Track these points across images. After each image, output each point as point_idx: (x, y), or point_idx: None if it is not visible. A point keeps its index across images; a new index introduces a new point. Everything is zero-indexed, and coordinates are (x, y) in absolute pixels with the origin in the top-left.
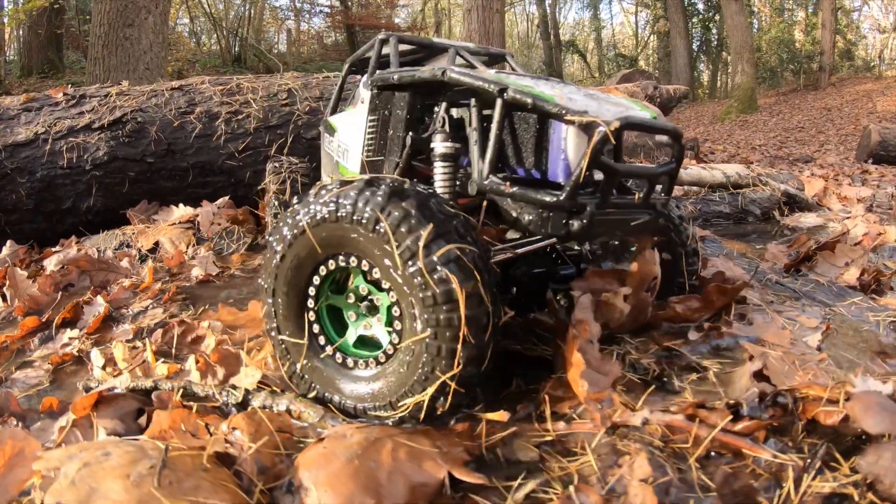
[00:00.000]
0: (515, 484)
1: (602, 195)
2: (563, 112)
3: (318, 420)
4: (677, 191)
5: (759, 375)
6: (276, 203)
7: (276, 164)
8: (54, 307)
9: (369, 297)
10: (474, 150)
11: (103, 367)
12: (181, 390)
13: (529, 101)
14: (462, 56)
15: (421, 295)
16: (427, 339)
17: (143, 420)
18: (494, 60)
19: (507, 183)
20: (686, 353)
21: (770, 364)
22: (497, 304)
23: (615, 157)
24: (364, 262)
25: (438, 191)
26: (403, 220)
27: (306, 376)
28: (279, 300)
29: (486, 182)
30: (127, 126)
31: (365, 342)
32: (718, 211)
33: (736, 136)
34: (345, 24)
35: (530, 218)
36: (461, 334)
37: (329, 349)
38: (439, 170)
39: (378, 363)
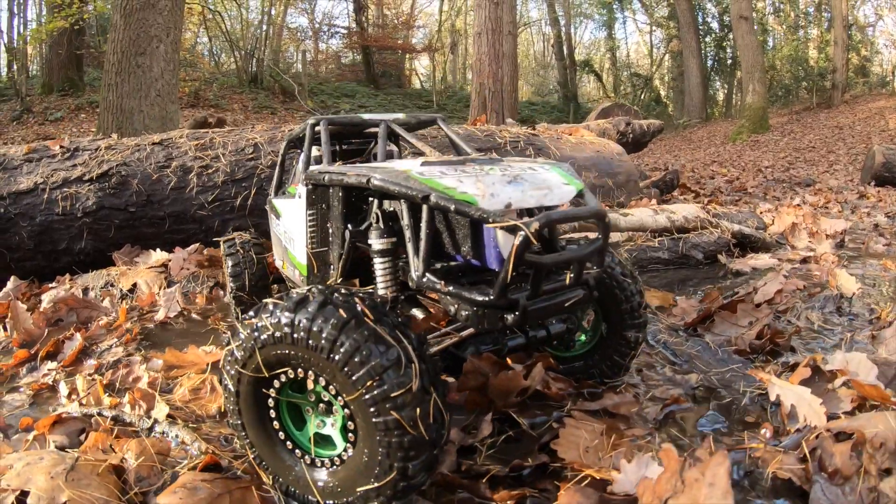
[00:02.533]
0: None
1: (532, 287)
2: (486, 217)
3: (195, 445)
4: (619, 237)
5: (543, 447)
6: (234, 304)
7: (230, 245)
8: (42, 340)
9: (327, 401)
10: (409, 247)
11: (68, 396)
12: (115, 417)
13: (452, 206)
14: (392, 129)
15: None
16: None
17: (83, 437)
18: (425, 125)
19: (443, 282)
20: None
21: (564, 437)
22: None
23: (551, 241)
24: (312, 374)
25: (380, 286)
26: (332, 333)
27: (280, 479)
28: (247, 432)
29: (423, 280)
30: (112, 179)
31: (324, 440)
32: (656, 257)
33: (745, 158)
34: (361, 46)
35: (467, 314)
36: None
37: (290, 445)
38: (378, 266)
39: (334, 464)
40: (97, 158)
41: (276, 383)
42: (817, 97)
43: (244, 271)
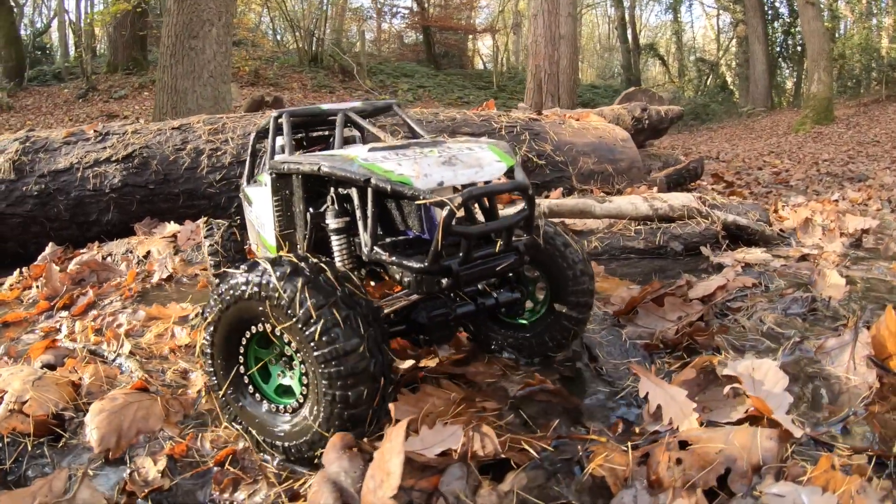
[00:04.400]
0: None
1: (464, 254)
2: (417, 195)
3: (136, 374)
4: (599, 224)
5: (400, 410)
6: (212, 265)
7: (209, 228)
8: (62, 294)
9: (288, 355)
10: (360, 224)
11: (67, 335)
12: (93, 351)
13: (389, 187)
14: (350, 117)
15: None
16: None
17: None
18: (381, 112)
19: (387, 253)
20: None
21: (403, 400)
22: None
23: (490, 212)
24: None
25: (336, 260)
26: (295, 294)
27: (243, 422)
28: (217, 362)
29: (372, 253)
30: (135, 160)
31: (285, 390)
32: (630, 247)
33: (805, 150)
34: (422, 26)
35: (408, 280)
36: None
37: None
38: (335, 242)
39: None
40: (124, 141)
41: (259, 326)
42: (887, 89)
43: (219, 251)
